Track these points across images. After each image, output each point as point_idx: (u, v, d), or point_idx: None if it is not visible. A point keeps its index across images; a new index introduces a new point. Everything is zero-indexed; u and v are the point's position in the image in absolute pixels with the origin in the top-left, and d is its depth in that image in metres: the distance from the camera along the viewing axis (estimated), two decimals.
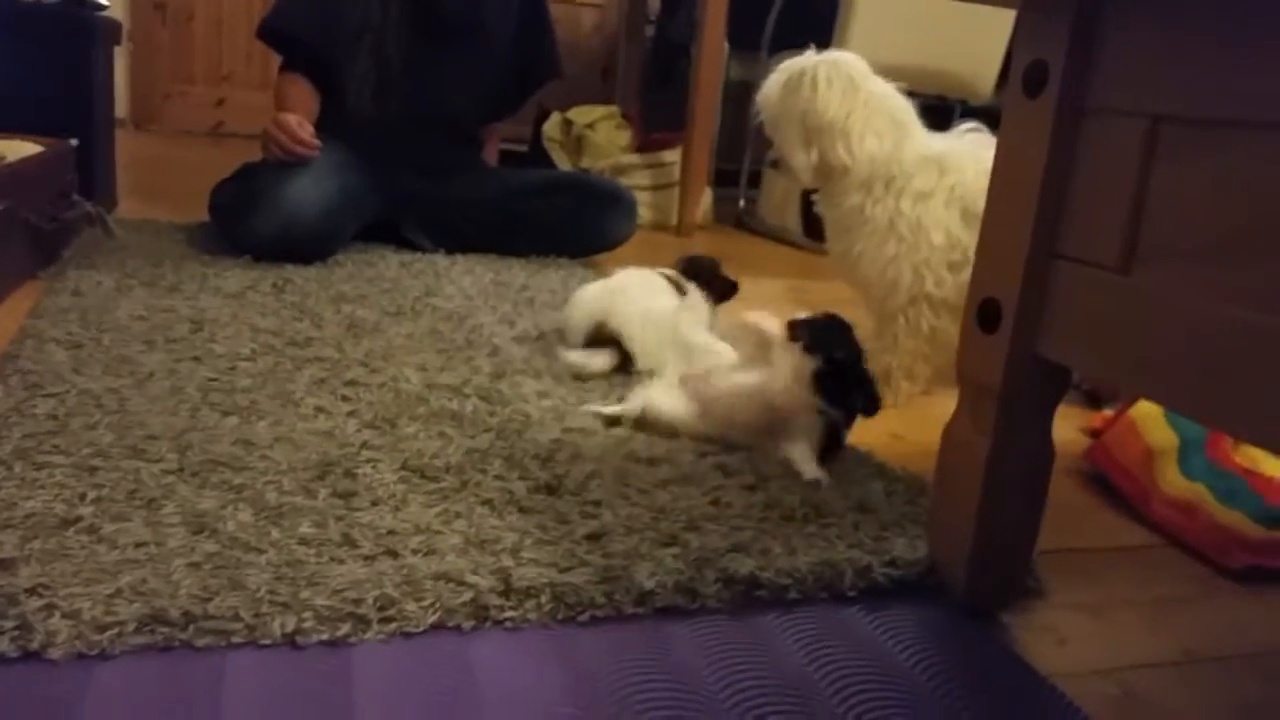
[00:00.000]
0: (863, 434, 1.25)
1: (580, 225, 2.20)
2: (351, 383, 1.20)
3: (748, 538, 0.87)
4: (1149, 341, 0.68)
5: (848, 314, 1.15)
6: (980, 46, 2.91)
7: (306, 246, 1.84)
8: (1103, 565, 0.98)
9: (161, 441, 0.97)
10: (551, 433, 1.11)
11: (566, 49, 4.21)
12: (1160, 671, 0.79)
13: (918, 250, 1.33)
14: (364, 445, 1.01)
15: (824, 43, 2.87)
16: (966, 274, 1.13)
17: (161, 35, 4.32)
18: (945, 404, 1.37)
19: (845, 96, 1.36)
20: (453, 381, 1.24)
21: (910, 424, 1.33)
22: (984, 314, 0.81)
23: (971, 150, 1.35)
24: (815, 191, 1.46)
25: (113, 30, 2.20)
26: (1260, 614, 0.90)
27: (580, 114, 3.17)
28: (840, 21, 2.80)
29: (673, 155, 3.05)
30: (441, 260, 2.03)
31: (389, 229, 2.13)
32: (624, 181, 2.80)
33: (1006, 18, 2.84)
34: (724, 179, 3.36)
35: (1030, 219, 0.77)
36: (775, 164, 1.45)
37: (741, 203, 3.25)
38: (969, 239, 1.28)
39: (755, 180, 3.22)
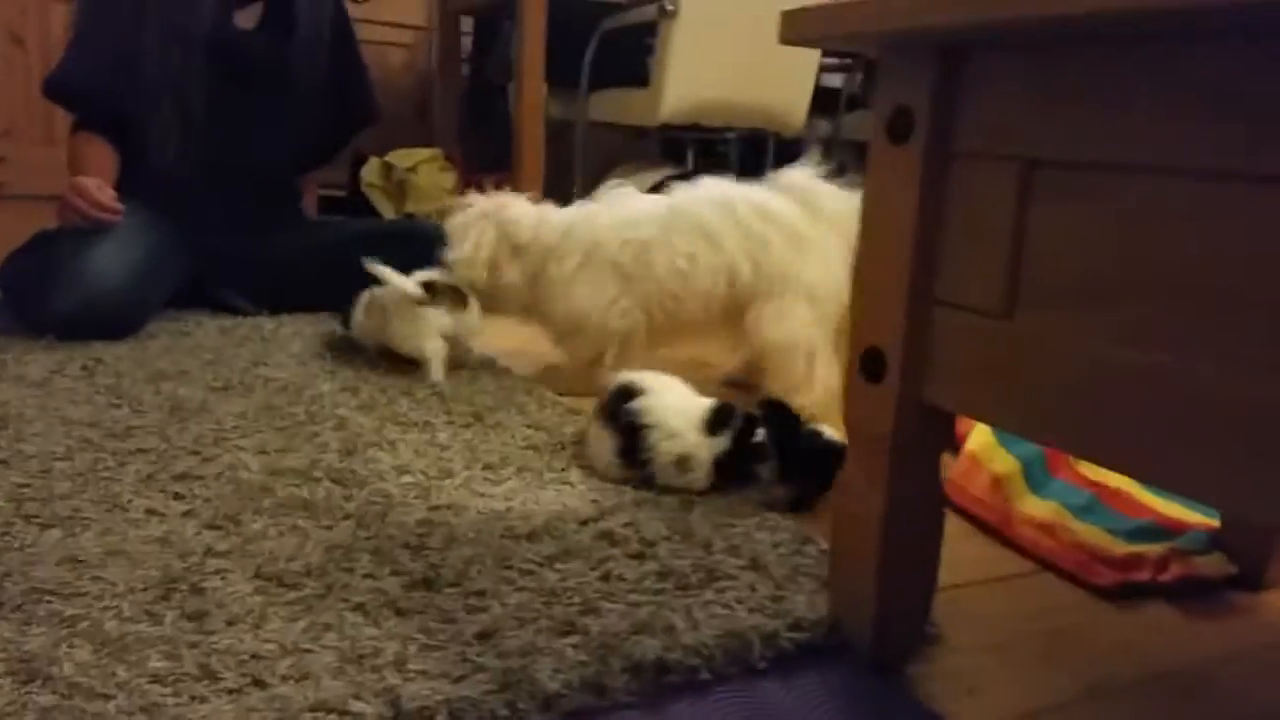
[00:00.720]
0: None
1: (408, 274, 2.08)
2: (183, 476, 1.09)
3: (647, 615, 0.83)
4: (1034, 384, 0.68)
5: None
6: (792, 81, 2.99)
7: (114, 320, 1.69)
8: (987, 599, 0.99)
9: None
10: (417, 513, 1.03)
11: (377, 89, 4.07)
12: (1070, 711, 0.79)
13: (569, 301, 1.57)
14: (208, 551, 0.91)
15: (641, 79, 2.90)
16: (620, 307, 1.54)
17: None
18: None
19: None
20: (298, 464, 1.15)
21: None
22: (868, 363, 0.80)
23: (604, 209, 1.60)
24: None
25: None
26: (1144, 634, 0.92)
27: (401, 157, 3.07)
28: (657, 58, 2.83)
29: None
30: (266, 323, 1.90)
31: (202, 293, 1.99)
32: None
33: (815, 51, 2.94)
34: None
35: (907, 267, 0.76)
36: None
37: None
38: (614, 280, 1.55)
39: None
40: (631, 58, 3.04)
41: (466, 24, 3.87)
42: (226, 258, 2.01)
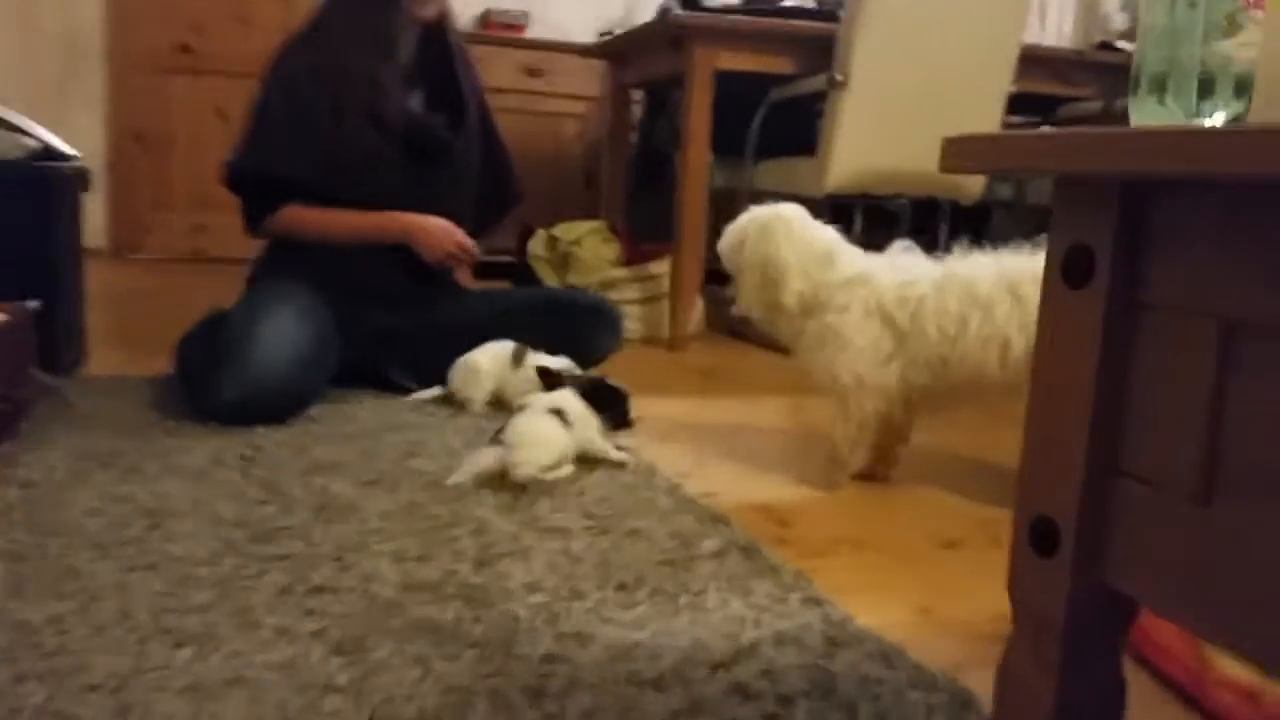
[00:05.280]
0: (887, 610, 1.14)
1: (563, 343, 2.05)
2: (319, 589, 1.08)
3: None
4: (1233, 585, 0.57)
5: None
6: None
7: (277, 407, 1.72)
8: None
9: (99, 696, 0.84)
10: (543, 643, 0.98)
11: (548, 159, 4.20)
12: None
13: (844, 352, 1.56)
14: (327, 686, 0.88)
15: (809, 147, 2.83)
16: (894, 366, 1.55)
17: (142, 164, 4.28)
18: (976, 566, 1.24)
19: (785, 244, 1.60)
20: (432, 577, 1.12)
21: (940, 594, 1.21)
22: (1037, 534, 0.70)
23: (889, 263, 1.59)
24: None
25: (80, 179, 2.12)
26: None
27: (566, 230, 3.11)
28: (825, 126, 2.75)
29: (661, 267, 2.98)
30: (428, 405, 1.93)
31: (367, 371, 2.03)
32: (614, 296, 2.72)
33: (993, 118, 2.80)
34: (715, 278, 3.29)
35: (1085, 428, 0.66)
36: (732, 302, 1.75)
37: (734, 309, 3.18)
38: (890, 336, 1.55)
39: None
40: (798, 125, 2.98)
41: (637, 95, 3.91)
42: (389, 335, 2.04)
